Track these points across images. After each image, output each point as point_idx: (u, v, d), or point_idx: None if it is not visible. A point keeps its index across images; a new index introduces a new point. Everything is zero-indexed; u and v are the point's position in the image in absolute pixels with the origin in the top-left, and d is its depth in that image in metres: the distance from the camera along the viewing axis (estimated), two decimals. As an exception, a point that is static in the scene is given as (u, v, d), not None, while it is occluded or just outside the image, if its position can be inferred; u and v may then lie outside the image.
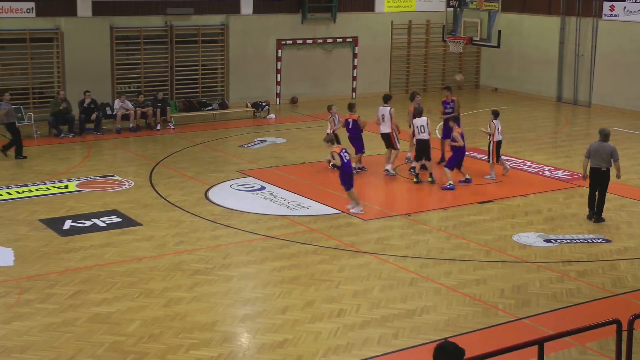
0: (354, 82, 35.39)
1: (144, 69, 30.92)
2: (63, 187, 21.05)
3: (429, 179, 21.78)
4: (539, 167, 23.69)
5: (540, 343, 8.97)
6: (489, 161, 22.49)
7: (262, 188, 21.16)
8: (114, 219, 18.52)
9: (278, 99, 33.66)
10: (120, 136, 27.30)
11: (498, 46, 30.16)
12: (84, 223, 18.24)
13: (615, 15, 32.99)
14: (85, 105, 27.34)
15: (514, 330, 13.17)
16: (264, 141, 26.75)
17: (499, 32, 29.61)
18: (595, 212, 18.91)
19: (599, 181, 18.79)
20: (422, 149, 21.66)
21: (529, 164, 24.07)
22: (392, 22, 35.86)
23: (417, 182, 21.72)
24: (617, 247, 17.25)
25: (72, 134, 26.99)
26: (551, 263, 16.16)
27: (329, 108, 23.69)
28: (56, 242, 16.97)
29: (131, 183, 21.49)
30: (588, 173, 18.90)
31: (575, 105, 34.54)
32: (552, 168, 23.62)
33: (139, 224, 18.24)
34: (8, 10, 28.23)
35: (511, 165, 23.76)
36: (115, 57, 30.20)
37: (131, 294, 14.36)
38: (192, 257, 16.19)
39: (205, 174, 22.48)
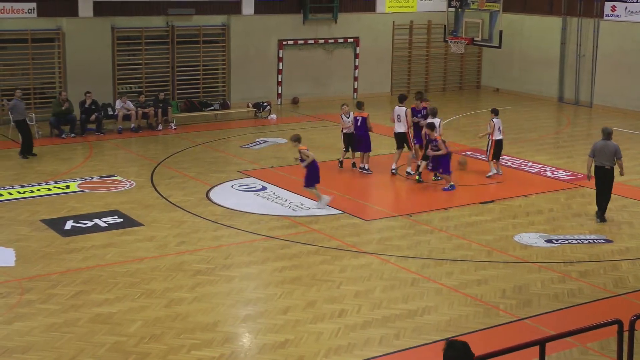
0: (356, 82, 35.39)
1: (145, 70, 30.92)
2: (64, 188, 21.05)
3: (434, 178, 21.90)
4: (540, 168, 23.68)
5: (541, 343, 8.96)
6: (487, 159, 22.56)
7: (264, 188, 21.16)
8: (116, 220, 18.52)
9: (279, 100, 33.67)
10: (121, 136, 27.30)
11: (499, 46, 30.16)
12: (85, 223, 18.24)
13: (617, 16, 32.98)
14: (86, 106, 27.35)
15: (515, 330, 13.17)
16: (265, 141, 26.75)
17: (501, 32, 29.60)
18: (601, 211, 18.99)
19: (603, 180, 18.85)
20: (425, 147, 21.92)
21: (530, 164, 24.07)
22: (393, 22, 35.86)
23: (419, 182, 21.72)
24: (618, 247, 17.24)
25: (73, 135, 27.02)
26: (552, 263, 16.16)
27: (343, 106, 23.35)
28: (58, 243, 16.98)
29: (132, 183, 21.50)
30: (592, 173, 18.93)
31: (577, 105, 34.53)
32: (554, 168, 23.61)
33: (140, 225, 18.24)
34: (9, 10, 28.24)
35: (512, 165, 23.79)
36: (117, 58, 30.21)
37: (132, 294, 14.36)
38: (193, 258, 16.19)
39: (207, 174, 22.48)
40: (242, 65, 32.51)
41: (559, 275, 15.56)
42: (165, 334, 12.79)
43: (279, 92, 33.70)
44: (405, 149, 22.72)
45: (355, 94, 35.15)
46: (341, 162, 23.18)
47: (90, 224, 18.22)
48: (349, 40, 34.97)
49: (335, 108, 31.81)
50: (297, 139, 19.63)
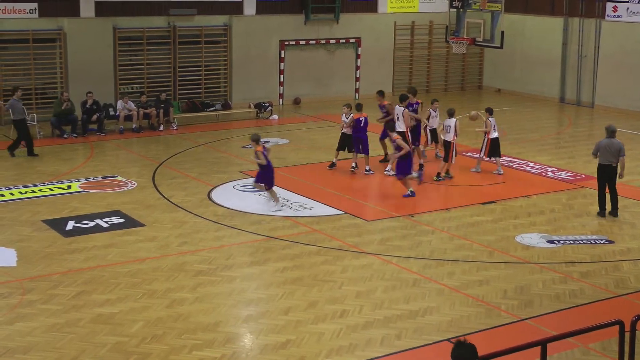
0: (357, 82, 35.39)
1: (147, 70, 30.92)
2: (66, 188, 21.06)
3: (445, 175, 22.08)
4: (542, 168, 23.68)
5: (543, 344, 8.97)
6: (478, 156, 22.87)
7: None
8: (117, 220, 18.52)
9: (281, 100, 33.67)
10: (123, 137, 27.30)
11: (501, 47, 30.17)
12: (86, 224, 18.24)
13: (618, 16, 32.97)
14: (87, 106, 27.35)
15: (517, 331, 13.17)
16: (267, 142, 26.71)
17: (502, 32, 29.62)
18: (613, 208, 19.16)
19: (608, 177, 18.97)
20: (446, 149, 22.14)
21: (532, 164, 24.06)
22: (395, 22, 35.86)
23: (437, 180, 22.04)
24: (620, 248, 17.24)
25: (75, 135, 27.01)
26: (554, 264, 16.15)
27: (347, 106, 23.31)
28: (59, 243, 16.98)
29: (134, 184, 21.50)
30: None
31: (578, 106, 34.52)
32: (555, 169, 23.61)
33: (142, 225, 18.24)
34: (11, 10, 28.25)
35: (514, 166, 23.79)
36: (118, 58, 30.20)
37: (134, 294, 14.37)
38: (195, 258, 16.19)
39: (208, 174, 22.48)
40: (244, 65, 32.52)
41: (560, 275, 15.56)
42: (166, 335, 12.79)
43: (281, 92, 33.70)
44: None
45: (357, 94, 35.14)
46: (334, 164, 23.07)
47: (91, 224, 18.22)
48: (351, 40, 34.97)
49: (337, 108, 31.83)
50: (255, 139, 19.26)
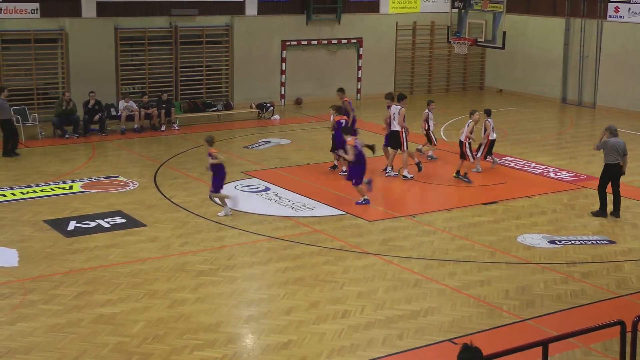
0: (359, 83, 35.39)
1: (149, 70, 30.93)
2: (67, 188, 21.06)
3: (456, 175, 22.11)
4: (543, 168, 23.68)
5: (544, 344, 8.97)
6: (476, 155, 22.85)
7: (267, 189, 21.17)
8: (119, 220, 18.53)
9: (283, 100, 33.67)
10: (124, 137, 27.31)
11: (503, 47, 30.16)
12: (88, 224, 18.25)
13: (620, 17, 32.97)
14: (89, 106, 27.36)
15: (518, 331, 13.16)
16: (269, 142, 26.75)
17: (504, 33, 29.61)
18: (615, 208, 19.23)
19: (614, 175, 19.05)
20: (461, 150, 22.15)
21: (533, 165, 24.06)
22: (396, 23, 35.85)
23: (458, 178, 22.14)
24: (621, 248, 17.23)
25: (76, 135, 27.02)
26: (555, 264, 16.15)
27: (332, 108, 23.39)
28: (61, 243, 16.98)
29: (135, 184, 21.51)
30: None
31: (580, 106, 34.51)
32: (557, 169, 23.60)
33: (143, 225, 18.25)
34: (12, 10, 28.27)
35: (516, 166, 23.79)
36: (120, 58, 30.21)
37: (135, 294, 14.37)
38: (196, 258, 16.19)
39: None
40: (245, 65, 32.52)
41: (562, 276, 15.56)
42: (168, 335, 12.80)
43: (282, 92, 33.71)
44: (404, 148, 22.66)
45: (358, 94, 35.16)
46: (335, 166, 23.04)
47: (93, 224, 18.23)
48: (352, 40, 34.97)
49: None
50: (209, 141, 19.06)
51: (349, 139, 20.07)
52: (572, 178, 22.64)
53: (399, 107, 22.34)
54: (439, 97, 36.23)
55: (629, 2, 32.56)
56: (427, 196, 21.38)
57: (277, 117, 31.01)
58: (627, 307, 14.13)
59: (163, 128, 28.43)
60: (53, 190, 20.87)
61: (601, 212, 19.23)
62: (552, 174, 23.10)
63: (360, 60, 35.29)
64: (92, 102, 27.39)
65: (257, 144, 26.39)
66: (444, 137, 27.75)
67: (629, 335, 9.57)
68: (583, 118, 32.58)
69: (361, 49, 35.15)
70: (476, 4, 30.61)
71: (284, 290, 14.67)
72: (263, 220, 18.65)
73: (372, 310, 13.84)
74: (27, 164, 23.54)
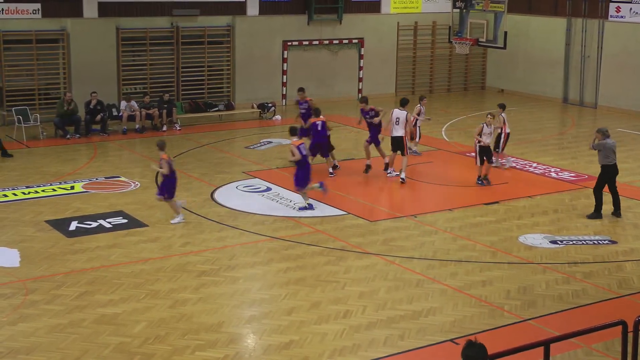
0: (360, 83, 35.40)
1: (150, 70, 30.94)
2: (69, 188, 21.07)
3: (481, 181, 21.88)
4: (544, 169, 23.67)
5: (546, 344, 8.96)
6: (496, 151, 23.13)
7: (268, 189, 21.17)
8: (120, 220, 18.53)
9: (284, 100, 33.67)
10: (126, 137, 27.32)
11: (504, 47, 30.16)
12: (89, 224, 18.26)
13: (622, 17, 32.95)
14: (91, 106, 27.36)
15: (519, 331, 13.16)
16: (270, 142, 26.74)
17: (505, 33, 29.62)
18: (616, 208, 19.23)
19: (611, 176, 19.05)
20: (485, 152, 21.77)
21: (535, 165, 24.05)
22: (398, 23, 35.85)
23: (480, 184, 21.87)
24: (623, 248, 17.23)
25: (78, 135, 27.03)
26: (557, 264, 16.15)
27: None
28: (62, 243, 16.99)
29: (137, 184, 21.52)
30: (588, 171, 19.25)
31: (581, 106, 34.49)
32: (558, 169, 23.60)
33: (145, 225, 18.25)
34: (14, 11, 28.28)
35: (517, 166, 23.79)
36: (121, 58, 30.23)
37: (137, 295, 14.37)
38: (198, 258, 16.20)
39: (211, 175, 22.49)
40: (247, 66, 32.52)
41: (563, 276, 15.55)
42: (169, 335, 12.80)
43: (284, 92, 33.70)
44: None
45: (359, 94, 35.14)
46: (336, 166, 23.00)
47: (94, 224, 18.24)
48: (354, 41, 34.97)
49: (340, 109, 31.91)
50: (159, 145, 18.62)
51: (294, 139, 19.69)
52: (573, 178, 22.63)
53: (404, 111, 22.03)
54: (440, 97, 36.30)
55: (631, 2, 32.54)
56: (428, 196, 21.38)
57: (278, 117, 31.01)
58: (628, 307, 14.12)
59: (164, 128, 28.43)
60: (54, 190, 20.88)
61: (596, 215, 19.17)
62: (553, 174, 23.10)
63: (362, 61, 35.30)
64: (93, 102, 27.39)
65: (258, 144, 26.39)
66: (445, 137, 27.76)
67: (630, 336, 9.56)
68: (584, 118, 32.57)
69: (362, 49, 35.15)
70: (477, 4, 30.63)
71: (286, 291, 14.67)
72: (264, 221, 18.65)
73: (374, 311, 13.84)
74: (28, 164, 23.55)
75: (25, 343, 12.49)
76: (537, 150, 26.07)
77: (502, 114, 23.13)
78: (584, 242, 17.48)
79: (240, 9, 32.39)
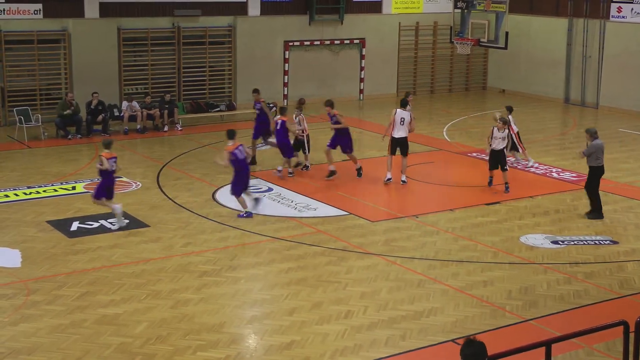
0: (361, 83, 35.38)
1: (152, 71, 30.95)
2: (70, 189, 21.08)
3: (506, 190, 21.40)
4: (546, 169, 23.66)
5: (547, 344, 8.96)
6: (517, 150, 23.51)
7: (270, 190, 21.17)
8: (121, 221, 18.50)
9: (285, 100, 33.65)
10: (127, 137, 27.32)
11: (505, 47, 30.16)
12: (91, 224, 18.26)
13: (623, 17, 32.94)
14: (92, 107, 27.37)
15: (521, 331, 13.16)
16: (271, 142, 26.69)
17: (507, 33, 29.62)
18: (599, 208, 19.20)
19: (600, 177, 19.09)
20: (496, 158, 21.14)
21: (536, 165, 24.03)
22: (399, 23, 35.84)
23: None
24: (624, 248, 17.22)
25: (79, 136, 27.04)
26: (558, 264, 16.14)
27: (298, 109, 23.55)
28: (63, 244, 17.00)
29: (138, 184, 21.52)
30: (587, 172, 19.33)
31: (583, 106, 34.48)
32: (560, 169, 23.59)
33: (146, 226, 18.26)
34: (16, 11, 28.30)
35: (518, 166, 23.78)
36: (123, 59, 30.23)
37: (138, 295, 14.38)
38: (199, 259, 16.20)
39: (213, 175, 22.48)
40: (248, 66, 32.53)
41: (564, 276, 15.55)
42: (171, 335, 12.81)
43: (285, 93, 33.70)
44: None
45: (361, 95, 35.16)
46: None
47: (96, 225, 18.25)
48: (355, 41, 34.97)
49: (341, 109, 31.76)
50: (104, 144, 18.39)
51: (230, 143, 18.79)
52: (574, 178, 22.61)
53: (407, 112, 21.86)
54: (442, 97, 36.31)
55: (632, 3, 32.52)
56: (429, 197, 21.37)
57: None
58: (630, 307, 14.12)
59: (166, 129, 28.43)
60: (56, 190, 20.89)
61: (598, 214, 19.14)
62: (554, 174, 23.09)
63: (363, 61, 35.28)
64: (95, 102, 27.40)
65: (259, 145, 26.35)
66: (446, 137, 27.75)
67: (632, 336, 9.56)
68: (586, 118, 32.55)
69: (364, 49, 35.14)
70: (479, 4, 30.64)
71: (287, 291, 14.67)
72: (266, 221, 18.65)
73: (375, 311, 13.84)
74: (30, 164, 23.57)
75: (26, 343, 12.50)
76: (539, 150, 26.05)
77: (509, 116, 22.95)
78: (586, 243, 17.48)
79: (242, 9, 32.40)
